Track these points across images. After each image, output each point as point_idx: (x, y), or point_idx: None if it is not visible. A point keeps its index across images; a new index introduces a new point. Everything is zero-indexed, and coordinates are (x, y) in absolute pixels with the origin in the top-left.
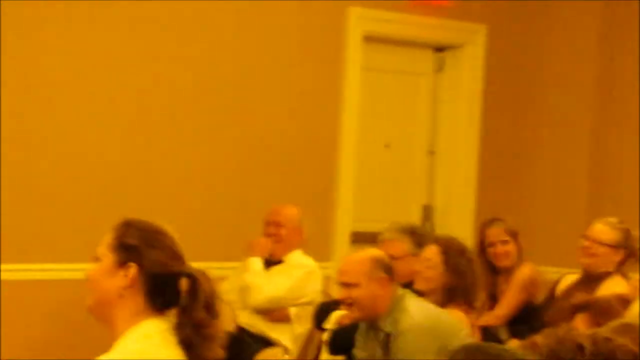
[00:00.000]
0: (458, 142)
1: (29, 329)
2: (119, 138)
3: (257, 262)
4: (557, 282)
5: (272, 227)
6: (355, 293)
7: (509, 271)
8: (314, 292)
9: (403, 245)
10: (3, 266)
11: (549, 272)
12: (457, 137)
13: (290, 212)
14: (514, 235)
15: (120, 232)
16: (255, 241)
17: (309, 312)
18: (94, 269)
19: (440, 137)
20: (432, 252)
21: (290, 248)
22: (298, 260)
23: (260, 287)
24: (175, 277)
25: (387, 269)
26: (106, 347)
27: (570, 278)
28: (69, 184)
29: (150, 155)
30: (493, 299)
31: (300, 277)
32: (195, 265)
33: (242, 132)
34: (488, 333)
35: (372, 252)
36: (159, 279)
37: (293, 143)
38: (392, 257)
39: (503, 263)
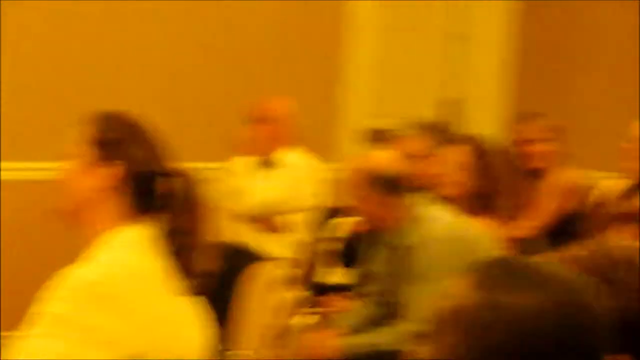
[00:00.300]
0: (490, 23)
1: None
2: (113, 31)
3: (244, 163)
4: (601, 189)
5: (264, 124)
6: (363, 204)
7: (547, 175)
8: (313, 195)
9: (423, 143)
10: (3, 164)
11: (592, 178)
12: (489, 16)
13: (278, 105)
14: (558, 132)
15: (100, 126)
16: (241, 138)
17: (308, 219)
18: (70, 166)
19: (469, 17)
20: (459, 152)
21: (285, 146)
22: (296, 160)
23: (252, 190)
24: (159, 177)
25: (389, 185)
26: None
27: (617, 184)
28: (65, 80)
29: (132, 45)
30: (528, 207)
31: (297, 178)
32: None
33: (231, 9)
34: (524, 246)
35: (372, 163)
36: (143, 179)
37: (291, 23)
38: (410, 156)
39: (540, 164)
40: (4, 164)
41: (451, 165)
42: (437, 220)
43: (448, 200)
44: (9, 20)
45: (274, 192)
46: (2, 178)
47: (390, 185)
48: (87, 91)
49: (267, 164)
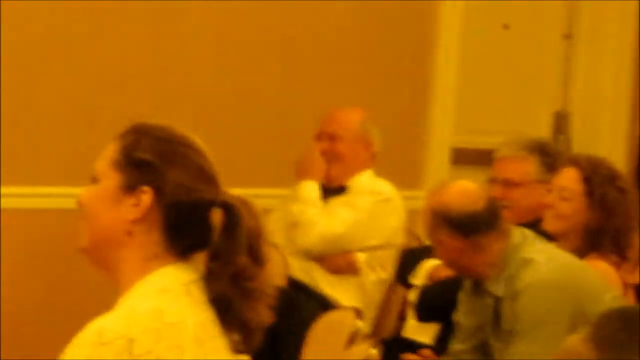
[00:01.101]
0: (607, 21)
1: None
2: (131, 33)
3: (310, 188)
4: None
5: (326, 141)
6: (440, 249)
7: None
8: (391, 231)
9: (527, 167)
10: (3, 190)
11: None
12: (605, 13)
13: (349, 118)
14: None
15: (128, 143)
16: (309, 159)
17: (385, 259)
18: (90, 194)
19: (582, 15)
20: (569, 178)
21: (353, 169)
22: (367, 186)
23: (314, 221)
24: (205, 207)
25: (467, 227)
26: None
27: None
28: (73, 91)
29: (170, 52)
30: None
31: (369, 209)
32: (233, 191)
33: (295, 11)
34: None
35: (444, 200)
36: (183, 210)
37: (371, 24)
38: (510, 183)
39: None
40: (4, 190)
41: (557, 193)
42: (545, 262)
43: (553, 237)
44: (8, 20)
45: (341, 224)
46: (2, 206)
47: (468, 227)
48: (103, 100)
49: (335, 191)
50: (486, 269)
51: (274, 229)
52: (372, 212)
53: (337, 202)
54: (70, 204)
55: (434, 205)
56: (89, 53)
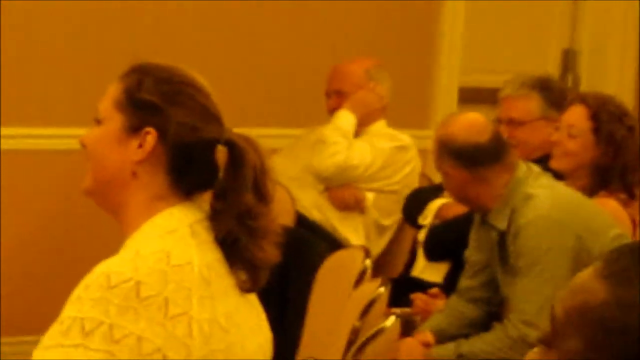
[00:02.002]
0: None
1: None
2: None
3: (348, 120)
4: None
5: (334, 98)
6: (446, 180)
7: None
8: (403, 178)
9: (531, 105)
10: (3, 131)
11: None
12: None
13: (352, 71)
14: None
15: (131, 84)
16: (364, 97)
17: (392, 202)
18: (94, 135)
19: None
20: (577, 115)
21: (364, 122)
22: (386, 132)
23: (337, 149)
24: (209, 146)
25: (463, 157)
26: (111, 237)
27: None
28: (75, 30)
29: None
30: None
31: (387, 152)
32: (237, 130)
33: None
34: None
35: (452, 130)
36: (188, 150)
37: None
38: (514, 122)
39: None
40: (4, 131)
41: (564, 130)
42: (547, 198)
43: (560, 174)
44: (8, 20)
45: (357, 157)
46: (2, 147)
47: (471, 158)
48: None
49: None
50: (491, 201)
51: (284, 165)
52: (389, 156)
53: (358, 139)
54: (73, 144)
55: (440, 135)
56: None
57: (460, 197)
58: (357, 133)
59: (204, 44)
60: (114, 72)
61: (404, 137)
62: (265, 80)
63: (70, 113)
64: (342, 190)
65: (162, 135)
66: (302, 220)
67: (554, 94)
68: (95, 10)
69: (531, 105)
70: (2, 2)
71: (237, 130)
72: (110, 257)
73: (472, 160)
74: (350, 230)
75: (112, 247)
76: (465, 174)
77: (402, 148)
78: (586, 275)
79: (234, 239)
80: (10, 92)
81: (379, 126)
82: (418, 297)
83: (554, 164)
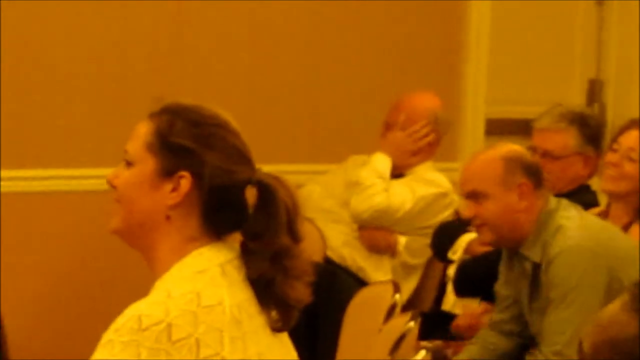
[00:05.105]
0: None
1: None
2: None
3: (384, 161)
4: None
5: (395, 130)
6: (484, 208)
7: None
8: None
9: (568, 139)
10: (3, 173)
11: None
12: None
13: (421, 104)
14: None
15: (162, 126)
16: (399, 140)
17: (424, 245)
18: (125, 178)
19: None
20: (636, 139)
21: (418, 158)
22: (429, 176)
23: (375, 191)
24: (241, 187)
25: (530, 171)
26: (137, 279)
27: None
28: (85, 63)
29: (198, 27)
30: None
31: (427, 199)
32: (266, 169)
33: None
34: None
35: (507, 147)
36: (222, 192)
37: None
38: (550, 154)
39: None
40: (4, 173)
41: (624, 154)
42: (578, 228)
43: (593, 204)
44: (8, 20)
45: (397, 202)
46: (2, 190)
47: (534, 171)
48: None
49: (393, 177)
50: (527, 228)
51: (322, 195)
52: (429, 203)
53: (398, 182)
54: (97, 185)
55: (506, 152)
56: (108, 24)
57: (498, 225)
58: (403, 173)
59: (226, 78)
60: (132, 111)
61: (445, 183)
62: (290, 115)
63: (65, 154)
64: (375, 233)
65: (196, 179)
66: (328, 259)
67: (592, 130)
68: (108, 49)
69: (568, 140)
70: (2, 42)
71: (264, 166)
72: (122, 301)
73: (538, 178)
74: (376, 269)
75: (140, 287)
76: (523, 196)
77: (442, 195)
78: (614, 309)
79: (268, 279)
80: (10, 135)
81: (425, 168)
82: (460, 324)
83: (609, 185)
